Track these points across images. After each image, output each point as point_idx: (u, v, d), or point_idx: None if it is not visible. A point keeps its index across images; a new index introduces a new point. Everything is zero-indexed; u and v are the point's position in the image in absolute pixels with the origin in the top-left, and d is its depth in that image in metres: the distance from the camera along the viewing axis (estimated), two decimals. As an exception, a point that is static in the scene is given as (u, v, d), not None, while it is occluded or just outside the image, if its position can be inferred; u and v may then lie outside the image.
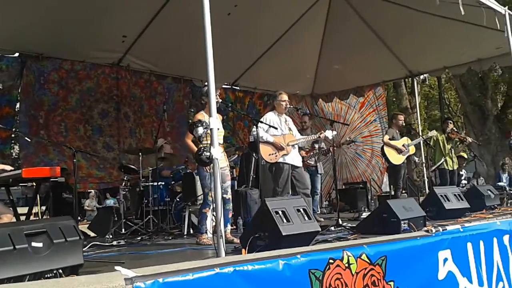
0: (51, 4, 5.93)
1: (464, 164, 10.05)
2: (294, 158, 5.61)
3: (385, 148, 7.24)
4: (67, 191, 7.16)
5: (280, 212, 3.49)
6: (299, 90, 10.50)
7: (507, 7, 6.03)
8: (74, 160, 4.42)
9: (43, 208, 7.28)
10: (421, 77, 11.18)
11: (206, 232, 4.77)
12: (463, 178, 9.91)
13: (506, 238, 3.95)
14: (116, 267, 1.97)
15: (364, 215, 6.57)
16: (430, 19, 7.43)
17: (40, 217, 6.44)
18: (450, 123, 8.51)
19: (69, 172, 6.64)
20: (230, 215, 4.84)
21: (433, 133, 8.03)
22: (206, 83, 3.49)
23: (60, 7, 6.01)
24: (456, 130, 8.73)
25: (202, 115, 4.63)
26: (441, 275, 3.15)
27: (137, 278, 1.89)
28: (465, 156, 10.19)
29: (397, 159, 7.21)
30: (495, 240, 3.80)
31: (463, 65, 9.14)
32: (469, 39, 7.84)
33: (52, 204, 6.76)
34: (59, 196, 6.97)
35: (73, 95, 7.27)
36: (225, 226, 4.69)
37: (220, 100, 4.72)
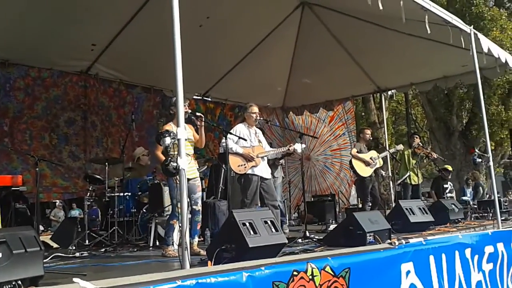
0: (19, 11, 5.83)
1: (449, 177, 10.23)
2: (263, 170, 5.62)
3: (353, 161, 7.34)
4: (20, 201, 6.93)
5: (247, 224, 3.48)
6: (270, 102, 10.57)
7: (472, 26, 6.23)
8: (37, 169, 4.31)
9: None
10: (389, 92, 11.44)
11: (173, 244, 4.71)
12: (447, 191, 10.04)
13: (468, 252, 4.04)
14: (75, 279, 1.92)
15: (332, 227, 6.61)
16: (398, 36, 7.61)
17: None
18: (417, 137, 8.69)
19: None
20: (198, 227, 4.79)
21: (400, 147, 8.19)
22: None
23: (28, 13, 5.91)
24: (422, 145, 8.92)
25: (170, 126, 4.60)
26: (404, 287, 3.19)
27: (95, 290, 1.85)
28: (450, 168, 10.38)
29: (365, 171, 7.31)
30: (457, 253, 3.88)
31: (429, 82, 9.39)
32: (436, 56, 8.06)
33: (5, 214, 6.54)
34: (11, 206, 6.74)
35: (39, 102, 7.13)
36: (193, 237, 4.64)
37: (190, 111, 4.70)
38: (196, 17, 6.82)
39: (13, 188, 3.51)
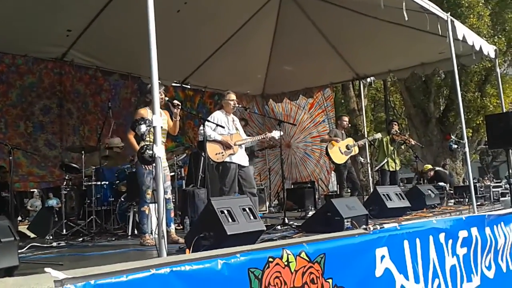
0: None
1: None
2: (241, 157, 5.63)
3: (329, 149, 7.39)
4: (6, 190, 6.84)
5: (225, 212, 3.48)
6: (249, 90, 10.54)
7: (449, 13, 6.28)
8: (10, 157, 4.23)
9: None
10: (368, 80, 11.49)
11: (152, 233, 4.70)
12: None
13: (442, 236, 4.11)
14: (46, 269, 1.90)
15: (311, 213, 6.67)
16: (376, 24, 7.65)
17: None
18: (395, 124, 8.78)
19: (7, 170, 6.35)
20: (172, 215, 4.78)
21: (378, 135, 8.28)
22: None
23: (0, -2, 5.75)
24: (400, 132, 9.02)
25: (145, 110, 4.54)
26: (379, 272, 3.24)
27: (67, 280, 1.82)
28: (429, 167, 10.60)
29: (339, 158, 7.38)
30: (431, 238, 3.94)
31: (407, 69, 9.47)
32: (413, 44, 8.12)
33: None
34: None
35: (14, 90, 6.99)
36: (169, 226, 4.63)
37: (167, 98, 4.65)
38: (173, 2, 6.72)
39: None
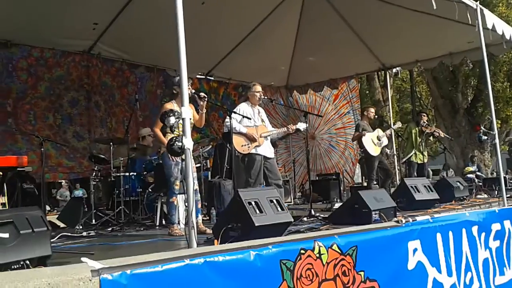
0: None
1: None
2: (266, 149, 5.60)
3: (364, 140, 7.28)
4: (27, 181, 6.96)
5: (253, 203, 3.48)
6: (273, 81, 10.48)
7: (478, 1, 6.11)
8: (42, 149, 4.30)
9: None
10: (394, 70, 11.33)
11: (179, 223, 4.73)
12: None
13: (474, 229, 4.03)
14: (83, 259, 1.92)
15: (337, 205, 6.62)
16: (403, 12, 7.51)
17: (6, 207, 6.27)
18: (424, 116, 8.61)
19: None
20: (199, 206, 4.81)
21: (398, 124, 8.13)
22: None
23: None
24: (428, 123, 8.86)
25: (171, 104, 4.57)
26: (411, 265, 3.20)
27: (104, 269, 1.84)
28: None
29: (374, 150, 7.29)
30: (464, 231, 3.87)
31: (434, 58, 9.29)
32: (441, 33, 7.95)
33: (11, 194, 6.57)
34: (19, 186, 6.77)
35: (43, 83, 7.10)
36: (196, 216, 4.65)
37: (193, 90, 4.66)
38: (198, -6, 6.73)
39: (18, 169, 3.50)
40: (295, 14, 8.61)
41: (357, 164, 10.64)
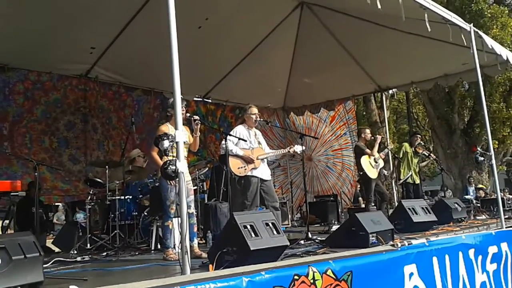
0: (17, 15, 5.81)
1: None
2: (263, 171, 5.60)
3: (363, 161, 7.27)
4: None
5: (248, 226, 3.44)
6: (270, 103, 10.54)
7: (472, 24, 6.19)
8: (36, 173, 4.29)
9: (7, 222, 7.04)
10: (390, 91, 11.39)
11: (174, 247, 4.68)
12: None
13: (471, 252, 4.00)
14: (71, 286, 1.89)
15: (334, 227, 6.57)
16: (398, 35, 7.57)
17: (1, 232, 6.23)
18: (418, 137, 8.65)
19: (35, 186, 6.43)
20: (195, 229, 4.76)
21: (389, 147, 8.18)
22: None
23: (27, 17, 5.89)
24: (423, 144, 8.87)
25: (166, 127, 4.58)
26: (407, 290, 3.16)
27: (92, 298, 1.82)
28: None
29: (372, 172, 7.29)
30: (460, 254, 3.83)
31: (430, 80, 9.36)
32: (436, 55, 8.02)
33: (19, 218, 6.54)
34: (28, 210, 6.72)
35: (39, 106, 7.12)
36: (192, 240, 4.61)
37: (189, 114, 4.66)
38: (194, 19, 6.80)
39: (12, 194, 3.48)
40: (291, 37, 8.69)
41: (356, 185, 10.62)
